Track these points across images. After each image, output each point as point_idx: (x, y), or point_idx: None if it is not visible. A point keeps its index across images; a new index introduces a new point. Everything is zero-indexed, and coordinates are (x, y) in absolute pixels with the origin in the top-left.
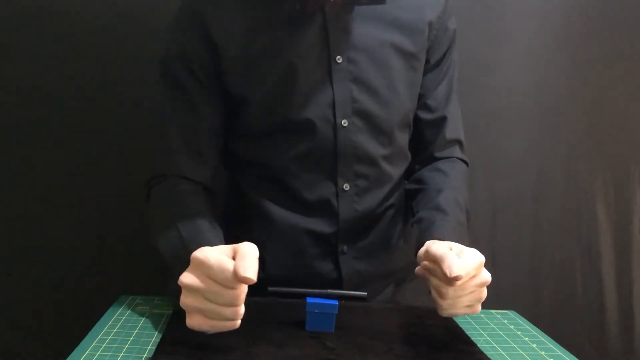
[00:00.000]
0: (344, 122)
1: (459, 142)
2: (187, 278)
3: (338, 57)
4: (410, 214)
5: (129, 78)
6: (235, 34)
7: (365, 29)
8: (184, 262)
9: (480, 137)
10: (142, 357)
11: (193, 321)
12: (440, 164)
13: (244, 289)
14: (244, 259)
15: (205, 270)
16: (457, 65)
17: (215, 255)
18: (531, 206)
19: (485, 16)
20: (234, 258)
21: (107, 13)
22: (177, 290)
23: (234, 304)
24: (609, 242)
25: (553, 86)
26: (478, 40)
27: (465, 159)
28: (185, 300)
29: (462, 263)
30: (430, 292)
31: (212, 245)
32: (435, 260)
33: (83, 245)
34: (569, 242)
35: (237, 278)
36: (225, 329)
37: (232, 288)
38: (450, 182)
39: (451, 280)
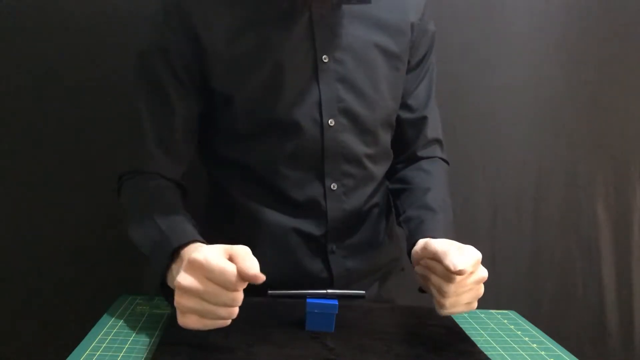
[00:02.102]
0: (331, 122)
1: (439, 142)
2: (186, 280)
3: (324, 56)
4: (394, 213)
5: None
6: (221, 31)
7: (351, 29)
8: (164, 253)
9: (480, 137)
10: (142, 357)
11: (186, 320)
12: (423, 164)
13: (241, 290)
14: (246, 259)
15: (205, 272)
16: (436, 67)
17: (214, 257)
18: (531, 206)
19: (485, 15)
20: (229, 259)
21: (104, 13)
22: (163, 285)
23: (231, 305)
24: (609, 242)
25: (553, 86)
26: (478, 39)
27: (446, 158)
28: (180, 301)
29: (464, 258)
30: (422, 289)
31: (191, 236)
32: (436, 257)
33: (83, 245)
34: (569, 242)
35: (246, 278)
36: (216, 327)
37: (233, 290)
38: (434, 181)
39: (452, 277)
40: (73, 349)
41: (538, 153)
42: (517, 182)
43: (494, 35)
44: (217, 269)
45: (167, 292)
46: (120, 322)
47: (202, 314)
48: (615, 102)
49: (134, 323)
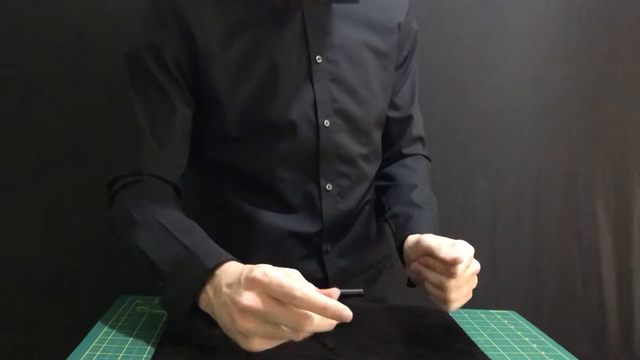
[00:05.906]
0: (326, 122)
1: (422, 140)
2: (248, 299)
3: (318, 56)
4: (379, 209)
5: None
6: (215, 31)
7: (342, 28)
8: (195, 274)
9: (480, 137)
10: (142, 357)
11: (254, 344)
12: (407, 161)
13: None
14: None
15: (267, 289)
16: (417, 65)
17: (275, 273)
18: (531, 206)
19: (485, 16)
20: None
21: (102, 13)
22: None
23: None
24: (609, 242)
25: (553, 86)
26: (478, 40)
27: (428, 155)
28: (246, 326)
29: (457, 249)
30: (411, 282)
31: (224, 255)
32: (430, 252)
33: (83, 245)
34: (569, 242)
35: (336, 317)
36: (286, 341)
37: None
38: (419, 178)
39: (452, 271)
40: (73, 349)
41: (538, 153)
42: (517, 182)
43: (494, 35)
44: (286, 286)
45: (196, 315)
46: (120, 322)
47: (268, 335)
48: (615, 102)
49: (134, 323)
